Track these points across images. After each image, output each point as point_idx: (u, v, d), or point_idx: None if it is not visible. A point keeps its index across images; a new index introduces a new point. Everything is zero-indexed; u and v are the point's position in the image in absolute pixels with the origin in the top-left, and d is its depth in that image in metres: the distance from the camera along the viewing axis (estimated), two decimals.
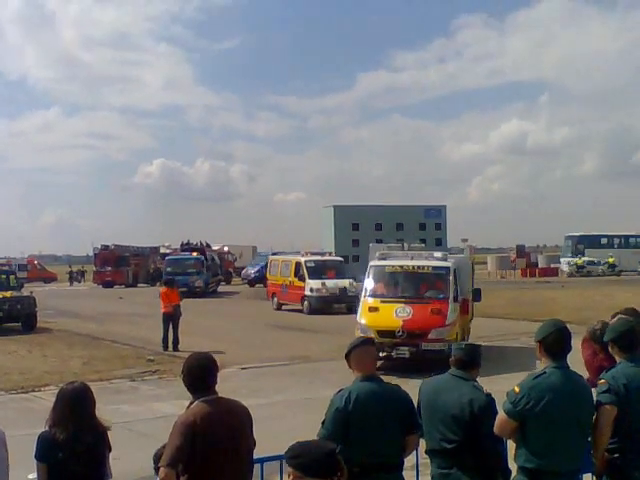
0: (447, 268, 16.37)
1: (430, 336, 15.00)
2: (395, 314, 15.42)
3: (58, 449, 4.35)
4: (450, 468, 4.72)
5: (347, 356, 4.76)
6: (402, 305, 15.64)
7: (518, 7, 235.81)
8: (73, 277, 65.15)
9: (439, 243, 66.37)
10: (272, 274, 33.31)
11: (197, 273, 41.93)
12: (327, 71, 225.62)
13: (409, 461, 5.22)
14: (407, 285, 16.52)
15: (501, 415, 4.45)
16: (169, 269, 40.78)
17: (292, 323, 25.77)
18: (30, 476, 4.95)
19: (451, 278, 16.09)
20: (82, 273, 68.11)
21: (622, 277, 55.09)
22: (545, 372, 4.42)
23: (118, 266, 54.05)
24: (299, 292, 29.78)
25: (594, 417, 4.58)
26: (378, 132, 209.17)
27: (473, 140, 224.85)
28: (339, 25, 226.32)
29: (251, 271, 51.59)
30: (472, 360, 4.93)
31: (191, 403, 4.25)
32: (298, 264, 30.44)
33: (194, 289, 39.52)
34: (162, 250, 58.27)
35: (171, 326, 18.96)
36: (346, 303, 28.14)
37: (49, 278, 66.86)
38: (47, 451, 4.40)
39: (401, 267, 16.67)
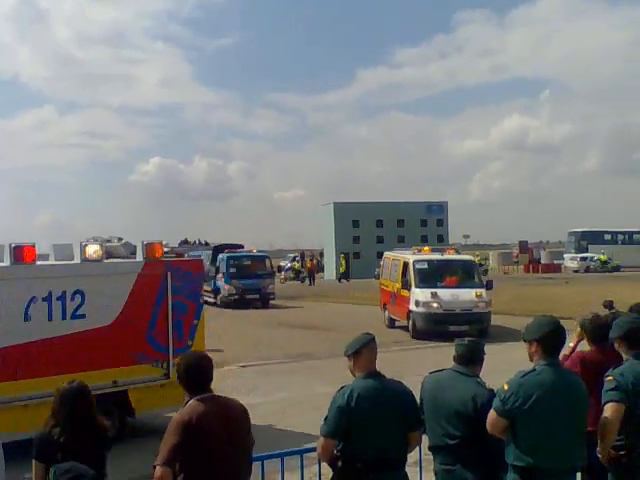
0: None
1: None
2: None
3: (58, 449, 4.31)
4: (453, 464, 4.68)
5: (355, 354, 4.68)
6: None
7: (519, 2, 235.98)
8: None
9: (441, 239, 66.22)
10: (383, 277, 24.91)
11: (269, 275, 33.26)
12: (327, 68, 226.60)
13: (412, 457, 5.18)
14: None
15: (491, 413, 4.40)
16: (232, 270, 31.69)
17: (293, 320, 25.69)
18: (27, 475, 4.88)
19: None
20: None
21: (624, 273, 55.03)
22: (535, 369, 4.37)
23: None
24: (406, 305, 21.10)
25: (603, 414, 4.55)
26: (378, 129, 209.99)
27: (474, 136, 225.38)
28: (339, 21, 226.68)
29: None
30: (474, 356, 4.89)
31: (187, 402, 4.21)
32: (406, 265, 21.71)
33: (267, 297, 32.02)
34: None
35: None
36: (471, 324, 19.60)
37: None
38: (46, 451, 4.34)
39: None
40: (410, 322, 20.52)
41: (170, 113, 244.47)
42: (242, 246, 35.31)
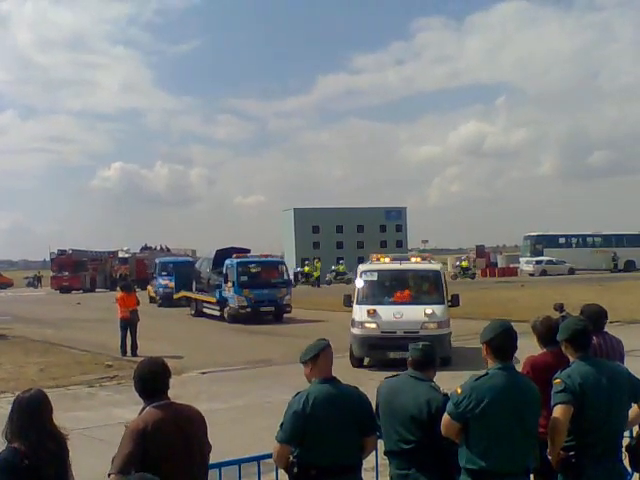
0: None
1: None
2: None
3: (24, 457, 4.23)
4: (408, 469, 4.72)
5: (313, 360, 4.72)
6: None
7: (476, 9, 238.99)
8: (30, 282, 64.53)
9: (400, 245, 66.70)
10: None
11: (285, 284, 28.58)
12: (286, 74, 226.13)
13: (369, 462, 5.22)
14: None
15: (445, 417, 4.47)
16: (244, 278, 27.22)
17: (255, 327, 25.59)
18: None
19: None
20: (39, 278, 67.19)
21: (578, 276, 55.98)
22: (487, 373, 4.46)
23: (76, 271, 53.64)
24: None
25: (552, 416, 4.64)
26: (338, 135, 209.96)
27: (432, 142, 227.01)
28: (298, 27, 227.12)
29: None
30: (429, 361, 4.95)
31: (143, 409, 4.21)
32: (356, 276, 18.24)
33: (283, 309, 27.75)
34: (120, 254, 58.01)
35: (129, 331, 18.79)
36: None
37: (5, 284, 65.74)
38: (12, 461, 4.25)
39: None
40: (349, 346, 16.33)
41: (131, 118, 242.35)
42: (249, 250, 30.67)
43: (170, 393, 4.33)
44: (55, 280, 54.62)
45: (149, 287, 40.13)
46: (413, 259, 18.65)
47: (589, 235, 68.97)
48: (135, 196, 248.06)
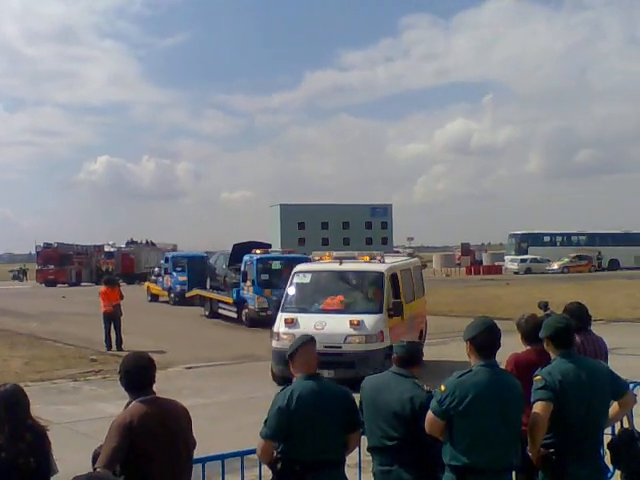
0: None
1: None
2: None
3: (0, 450, 4.23)
4: (391, 465, 4.74)
5: (291, 356, 4.76)
6: None
7: (464, 7, 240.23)
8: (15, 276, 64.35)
9: (385, 242, 66.82)
10: None
11: None
12: (274, 69, 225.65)
13: (352, 459, 5.24)
14: None
15: (429, 414, 4.49)
16: (265, 277, 24.28)
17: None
18: None
19: None
20: (24, 272, 66.94)
21: (562, 274, 56.32)
22: (471, 370, 4.49)
23: (61, 265, 53.61)
24: None
25: (532, 412, 4.67)
26: (326, 131, 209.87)
27: (419, 139, 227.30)
28: (287, 23, 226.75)
29: None
30: (413, 358, 4.96)
31: (129, 403, 4.22)
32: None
33: None
34: (106, 248, 57.91)
35: (113, 325, 18.77)
36: (338, 368, 12.26)
37: None
38: None
39: None
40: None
41: (118, 111, 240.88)
42: (269, 245, 28.03)
43: (154, 388, 4.33)
44: (41, 273, 54.52)
45: (148, 283, 37.78)
46: (361, 258, 15.50)
47: (574, 234, 69.52)
48: (121, 190, 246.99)
